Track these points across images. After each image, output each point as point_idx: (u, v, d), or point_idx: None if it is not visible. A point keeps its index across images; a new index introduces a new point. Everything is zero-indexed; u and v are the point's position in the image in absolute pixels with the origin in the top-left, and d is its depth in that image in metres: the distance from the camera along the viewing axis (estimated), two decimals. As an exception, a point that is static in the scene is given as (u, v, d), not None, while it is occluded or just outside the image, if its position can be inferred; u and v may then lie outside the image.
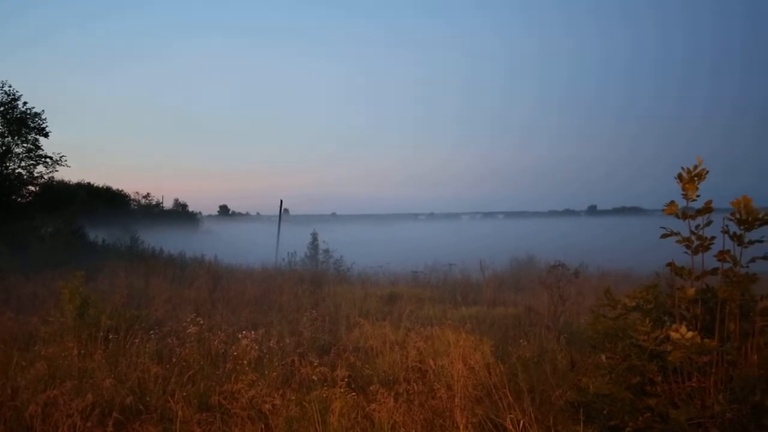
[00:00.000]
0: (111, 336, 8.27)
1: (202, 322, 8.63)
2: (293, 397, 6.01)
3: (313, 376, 6.61)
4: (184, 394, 6.40)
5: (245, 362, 7.04)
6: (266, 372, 6.89)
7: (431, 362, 6.52)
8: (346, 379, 6.48)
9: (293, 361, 7.10)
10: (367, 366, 7.55)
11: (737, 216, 4.79)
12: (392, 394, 5.95)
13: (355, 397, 6.06)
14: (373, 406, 5.74)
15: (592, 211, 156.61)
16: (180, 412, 5.82)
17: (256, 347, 7.49)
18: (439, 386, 5.93)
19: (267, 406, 5.83)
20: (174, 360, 7.40)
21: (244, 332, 7.79)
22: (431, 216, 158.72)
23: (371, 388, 6.14)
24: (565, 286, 10.82)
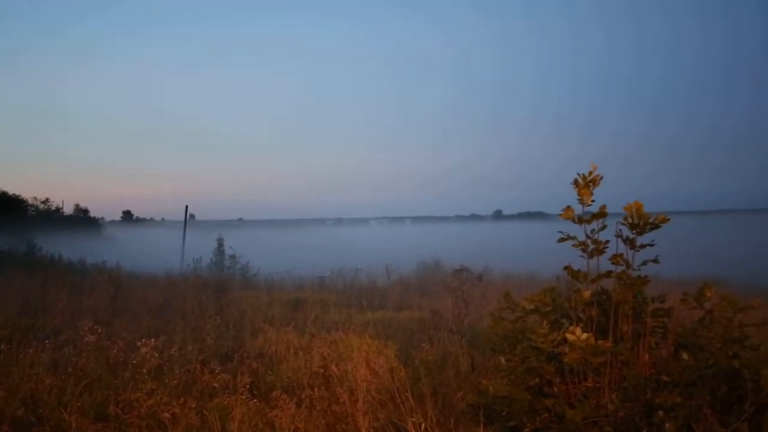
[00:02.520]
0: (3, 346, 7.92)
1: (100, 330, 8.35)
2: (193, 406, 5.89)
3: (215, 384, 6.49)
4: (79, 404, 6.18)
5: (145, 371, 6.86)
6: (166, 380, 6.73)
7: (334, 367, 6.50)
8: (249, 386, 6.40)
9: (195, 368, 6.96)
10: (270, 372, 7.47)
11: (629, 220, 4.95)
12: (295, 400, 5.90)
13: (257, 404, 5.98)
14: (275, 412, 5.68)
15: (498, 215, 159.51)
16: (74, 423, 5.63)
17: (157, 355, 7.31)
18: (341, 391, 5.91)
19: (166, 415, 5.69)
20: (70, 370, 7.14)
21: (143, 340, 7.58)
22: (339, 221, 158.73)
23: (274, 394, 6.07)
24: (469, 289, 10.97)
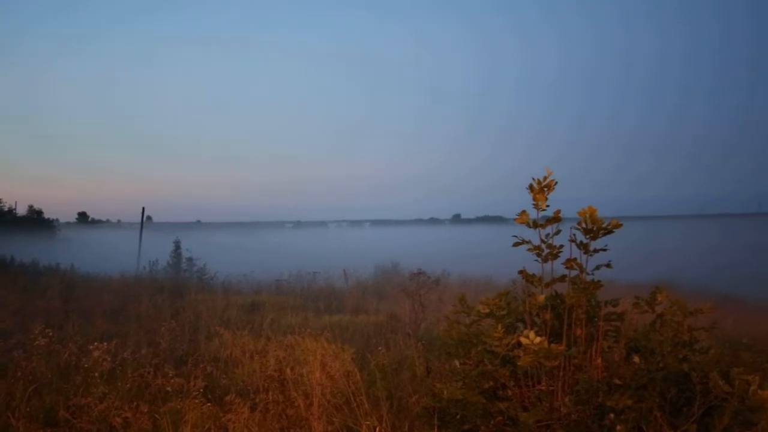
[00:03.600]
0: (-53, 351, 7.76)
1: (52, 333, 8.21)
2: (146, 410, 5.82)
3: (168, 388, 6.41)
4: (28, 409, 6.07)
5: (97, 375, 6.75)
6: (119, 384, 6.64)
7: (289, 371, 6.47)
8: (203, 390, 6.34)
9: (148, 372, 6.87)
10: (225, 376, 7.42)
11: (583, 225, 5.00)
12: (249, 404, 5.87)
13: (211, 408, 5.92)
14: (228, 416, 5.63)
15: (457, 219, 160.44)
16: (22, 428, 5.53)
17: (109, 359, 7.20)
18: (296, 395, 5.88)
19: (118, 419, 5.62)
20: (19, 374, 7.00)
21: (96, 343, 7.47)
22: (298, 224, 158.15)
23: (228, 398, 6.02)
24: (426, 293, 11.00)
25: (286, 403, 5.88)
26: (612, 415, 4.53)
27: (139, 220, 34.06)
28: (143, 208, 34.39)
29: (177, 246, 26.11)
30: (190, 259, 25.62)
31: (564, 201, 5.19)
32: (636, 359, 4.83)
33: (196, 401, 5.97)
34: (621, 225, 4.98)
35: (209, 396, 6.41)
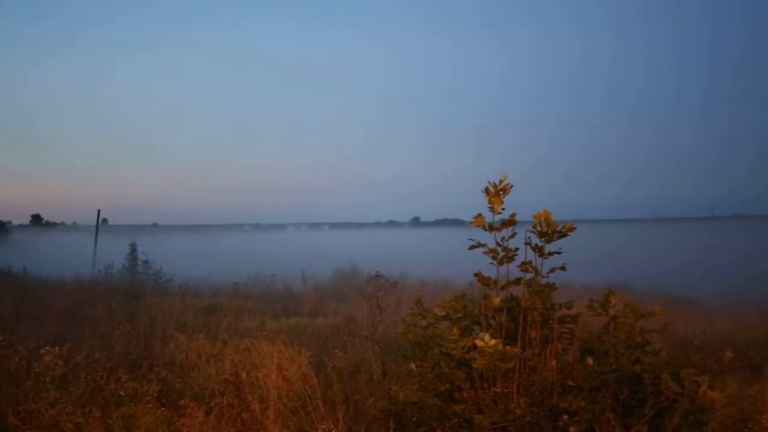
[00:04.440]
0: None
1: (2, 338, 8.04)
2: (98, 415, 5.72)
3: (121, 392, 6.32)
4: (-25, 416, 5.94)
5: (48, 379, 6.62)
6: (71, 389, 6.52)
7: (244, 374, 6.42)
8: (157, 394, 6.26)
9: (101, 376, 6.76)
10: (180, 380, 7.34)
11: (538, 229, 5.04)
12: (204, 408, 5.81)
13: (165, 412, 5.86)
14: (182, 420, 5.57)
15: (416, 222, 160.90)
16: (-31, 436, 5.41)
17: (61, 363, 7.07)
18: (252, 399, 5.84)
19: (69, 425, 5.52)
20: (-33, 380, 6.86)
21: (48, 347, 7.33)
22: (257, 226, 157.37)
23: (182, 402, 5.94)
24: (384, 296, 10.99)
25: (242, 406, 5.83)
26: (566, 417, 4.58)
27: (95, 223, 33.52)
28: (98, 211, 33.89)
29: (133, 249, 25.76)
30: (146, 262, 25.30)
31: (520, 205, 5.23)
32: (590, 361, 4.89)
33: (150, 406, 5.90)
34: (575, 228, 5.03)
35: (163, 400, 6.33)
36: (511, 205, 5.11)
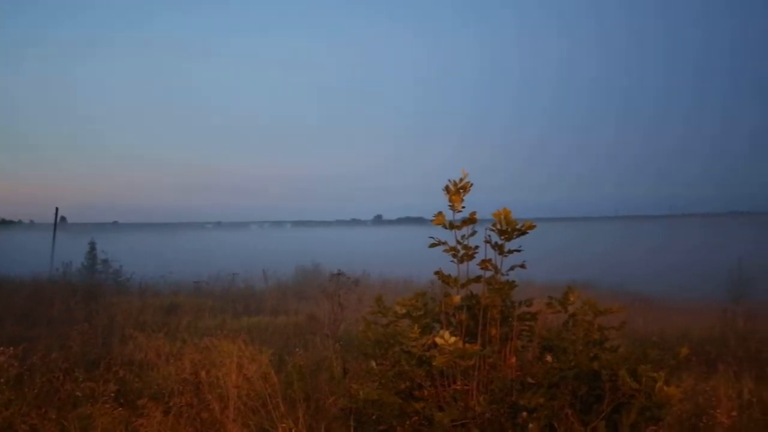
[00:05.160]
0: None
1: (-45, 338, 7.88)
2: (54, 416, 5.64)
3: (78, 393, 6.23)
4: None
5: (2, 381, 6.50)
6: (26, 390, 6.41)
7: (203, 374, 6.36)
8: (114, 394, 6.18)
9: (57, 377, 6.65)
10: (138, 380, 7.26)
11: (498, 227, 5.07)
12: (162, 407, 5.75)
13: (122, 413, 5.79)
14: (140, 420, 5.51)
15: (378, 220, 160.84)
16: None
17: (16, 364, 6.95)
18: (211, 398, 5.80)
19: (24, 426, 5.43)
20: None
21: (2, 348, 7.19)
22: (219, 225, 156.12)
23: (140, 402, 5.88)
24: (346, 294, 11.00)
25: (201, 406, 5.78)
26: (525, 414, 4.61)
27: (53, 221, 32.98)
28: (57, 209, 33.35)
29: (92, 247, 25.38)
30: (105, 261, 24.94)
31: (482, 203, 5.25)
32: (549, 358, 4.93)
33: (107, 406, 5.83)
34: (535, 226, 5.06)
35: (121, 400, 6.25)
36: (473, 203, 5.14)
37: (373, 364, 5.16)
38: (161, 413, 5.61)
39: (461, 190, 5.10)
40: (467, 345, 4.67)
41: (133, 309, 14.07)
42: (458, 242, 5.15)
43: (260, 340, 9.25)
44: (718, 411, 5.95)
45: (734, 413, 6.00)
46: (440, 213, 5.15)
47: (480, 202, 5.22)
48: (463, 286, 5.19)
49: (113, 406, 5.88)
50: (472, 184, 5.10)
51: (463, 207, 5.11)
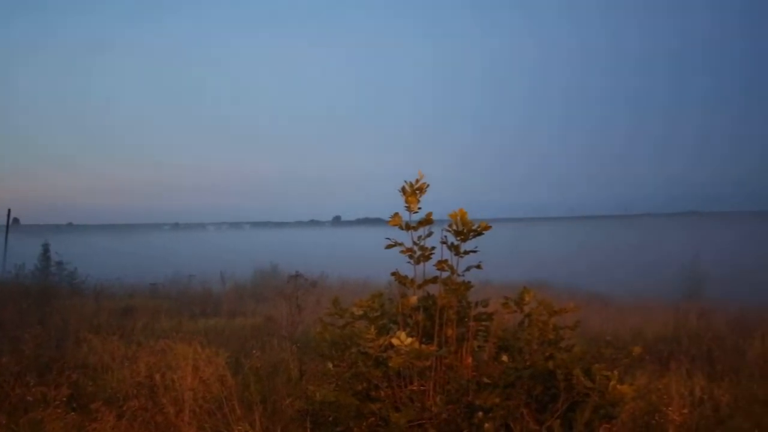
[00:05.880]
0: None
1: None
2: (4, 422, 5.53)
3: (29, 397, 6.12)
4: None
5: (-52, 387, 6.37)
6: (-26, 396, 6.28)
7: (158, 377, 6.30)
8: (67, 399, 6.08)
9: (7, 381, 6.53)
10: (92, 383, 7.16)
11: (454, 228, 5.09)
12: (116, 411, 5.67)
13: (75, 417, 5.70)
14: (93, 425, 5.44)
15: (337, 221, 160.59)
16: None
17: (-35, 369, 6.81)
18: (166, 402, 5.74)
19: (-27, 432, 5.32)
20: None
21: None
22: (176, 226, 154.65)
23: (94, 406, 5.80)
24: (304, 295, 10.97)
25: (155, 409, 5.73)
26: (481, 414, 4.63)
27: (5, 223, 32.38)
28: (9, 210, 32.75)
29: (46, 249, 24.96)
30: (59, 263, 24.55)
31: (440, 203, 5.27)
32: (504, 358, 4.96)
33: (59, 411, 5.74)
34: (490, 227, 5.09)
35: (74, 405, 6.16)
36: (430, 204, 5.15)
37: (330, 365, 5.15)
38: (115, 417, 5.55)
39: (417, 191, 5.11)
40: (423, 346, 4.68)
41: (87, 311, 13.89)
42: (415, 243, 5.16)
43: (217, 342, 9.19)
44: (670, 409, 6.05)
45: (685, 410, 6.11)
46: (396, 214, 5.16)
47: (437, 203, 5.24)
48: (419, 287, 5.19)
49: (65, 411, 5.80)
50: (428, 185, 5.11)
51: (419, 208, 5.12)
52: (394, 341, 4.61)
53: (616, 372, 4.56)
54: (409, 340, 4.58)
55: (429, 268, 5.20)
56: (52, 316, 12.82)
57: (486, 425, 4.57)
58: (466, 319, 5.18)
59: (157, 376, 6.34)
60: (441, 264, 5.15)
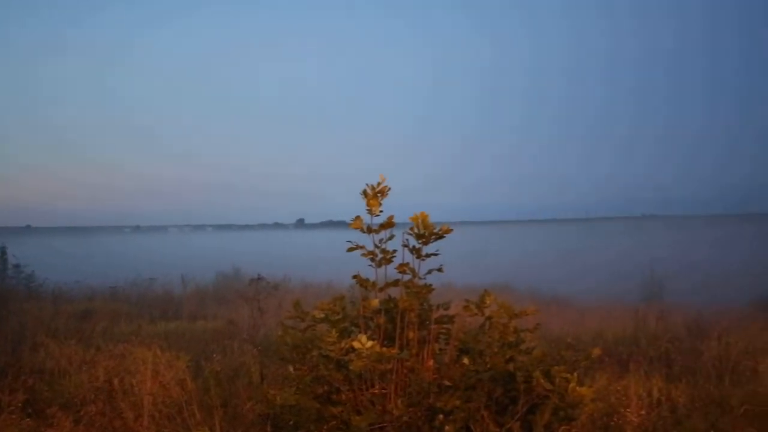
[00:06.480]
0: None
1: None
2: (-46, 430, 5.43)
3: (-18, 403, 6.01)
4: None
5: None
6: None
7: (116, 381, 6.23)
8: (22, 404, 5.98)
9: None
10: (48, 388, 7.05)
11: (416, 231, 5.10)
12: (73, 417, 5.59)
13: (30, 423, 5.61)
14: (49, 431, 5.36)
15: (301, 224, 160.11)
16: None
17: None
18: (125, 406, 5.67)
19: (-76, 440, 5.21)
20: None
21: None
22: (137, 229, 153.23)
23: (50, 411, 5.72)
24: (266, 298, 10.93)
25: (114, 414, 5.66)
26: (441, 416, 4.65)
27: (-40, 225, 31.79)
28: (-35, 212, 32.17)
29: (2, 252, 24.54)
30: (17, 266, 24.15)
31: (404, 207, 5.28)
32: (465, 360, 4.98)
33: (14, 416, 5.64)
34: (451, 230, 5.11)
35: (29, 410, 6.06)
36: (394, 207, 5.16)
37: (291, 368, 5.13)
38: (71, 423, 5.48)
39: (379, 195, 5.11)
40: (385, 349, 4.68)
41: (45, 315, 13.66)
42: (376, 246, 5.16)
43: (177, 346, 9.11)
44: (628, 410, 6.13)
45: (643, 412, 6.20)
46: (358, 217, 5.16)
47: (396, 206, 5.25)
48: (381, 290, 5.20)
49: (21, 417, 5.71)
50: (389, 189, 5.12)
51: (381, 211, 5.13)
52: (356, 344, 4.61)
53: (575, 374, 4.61)
54: (371, 343, 4.58)
55: (391, 271, 5.22)
56: (8, 321, 12.57)
57: (446, 428, 4.59)
58: (428, 322, 5.19)
59: (116, 381, 6.27)
60: (402, 267, 5.16)
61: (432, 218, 5.14)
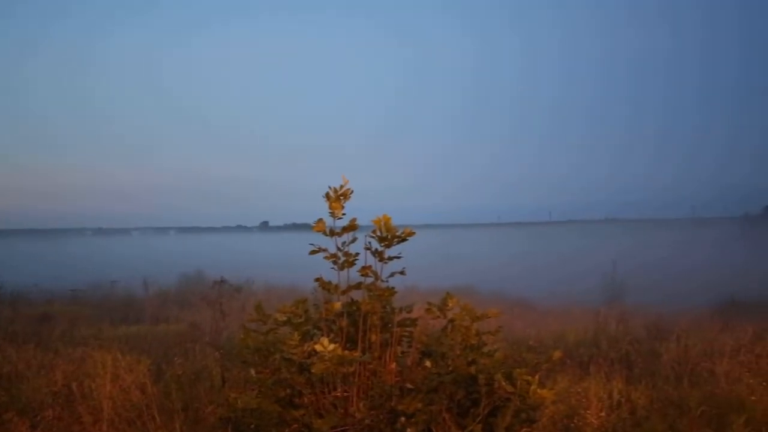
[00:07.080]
0: None
1: None
2: None
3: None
4: None
5: None
6: None
7: (75, 386, 6.15)
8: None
9: None
10: (4, 393, 6.93)
11: (378, 233, 5.11)
12: (30, 422, 5.51)
13: (-16, 430, 5.52)
14: (5, 437, 5.27)
15: (265, 227, 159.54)
16: None
17: None
18: (83, 411, 5.60)
19: None
20: None
21: None
22: (99, 231, 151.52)
23: (5, 417, 5.62)
24: (228, 301, 10.87)
25: (72, 419, 5.58)
26: (403, 419, 4.65)
27: None
28: None
29: (-41, 255, 24.19)
30: (-27, 269, 23.78)
31: (367, 210, 5.28)
32: (428, 363, 4.99)
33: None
34: (414, 233, 5.12)
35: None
36: (357, 210, 5.16)
37: (253, 372, 5.10)
38: (28, 428, 5.39)
39: (341, 197, 5.11)
40: (347, 352, 4.67)
41: (2, 319, 13.46)
42: (339, 249, 5.16)
43: (138, 349, 9.03)
44: (588, 412, 6.19)
45: (603, 413, 6.26)
46: (321, 220, 5.15)
47: (363, 210, 5.25)
48: (343, 293, 5.20)
49: (-26, 423, 5.60)
50: (352, 191, 5.12)
51: (344, 214, 5.13)
52: (318, 347, 4.60)
53: (537, 376, 4.64)
54: (333, 346, 4.57)
55: (353, 274, 5.21)
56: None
57: (408, 430, 4.59)
58: (390, 325, 5.19)
59: (75, 385, 6.18)
60: (365, 270, 5.16)
61: (397, 221, 5.16)
